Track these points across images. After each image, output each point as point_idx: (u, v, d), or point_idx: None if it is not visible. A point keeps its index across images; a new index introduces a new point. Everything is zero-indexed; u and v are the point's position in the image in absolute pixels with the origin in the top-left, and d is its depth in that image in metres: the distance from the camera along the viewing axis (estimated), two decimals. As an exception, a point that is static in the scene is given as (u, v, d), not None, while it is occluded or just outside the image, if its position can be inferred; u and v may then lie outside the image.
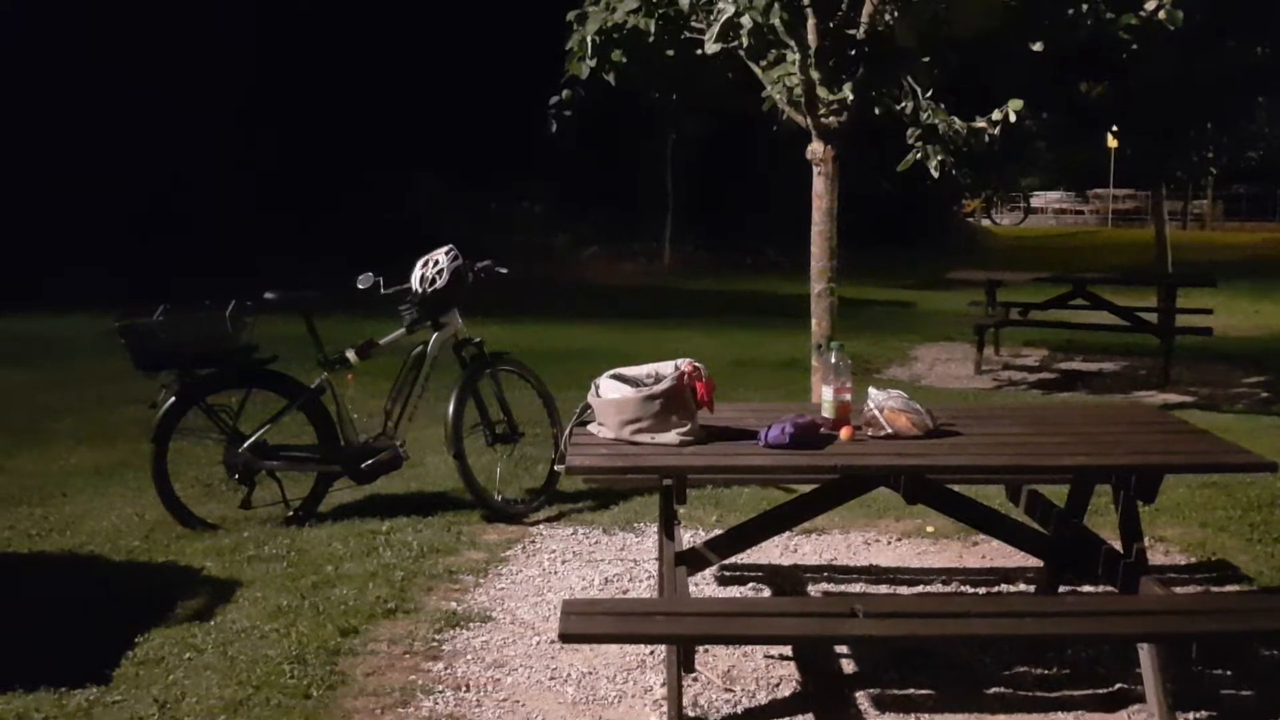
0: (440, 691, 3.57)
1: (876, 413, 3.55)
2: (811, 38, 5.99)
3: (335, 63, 19.05)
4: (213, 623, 4.03)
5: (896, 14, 5.71)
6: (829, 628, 3.02)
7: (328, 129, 19.04)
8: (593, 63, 6.45)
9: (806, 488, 4.57)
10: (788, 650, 3.84)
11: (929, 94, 6.07)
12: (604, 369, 3.71)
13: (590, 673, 3.71)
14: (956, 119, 6.03)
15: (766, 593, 4.47)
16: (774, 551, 4.87)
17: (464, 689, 3.60)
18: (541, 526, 5.35)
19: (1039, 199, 38.46)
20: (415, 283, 5.52)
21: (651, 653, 3.79)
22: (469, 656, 3.85)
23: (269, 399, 5.39)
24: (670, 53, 6.49)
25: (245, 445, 5.23)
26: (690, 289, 17.72)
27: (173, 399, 5.12)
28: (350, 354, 5.46)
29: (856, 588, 4.52)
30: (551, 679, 3.67)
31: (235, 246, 15.84)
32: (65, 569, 4.66)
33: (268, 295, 5.27)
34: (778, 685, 3.63)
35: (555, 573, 4.72)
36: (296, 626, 4.00)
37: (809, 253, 6.40)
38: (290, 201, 18.42)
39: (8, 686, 3.45)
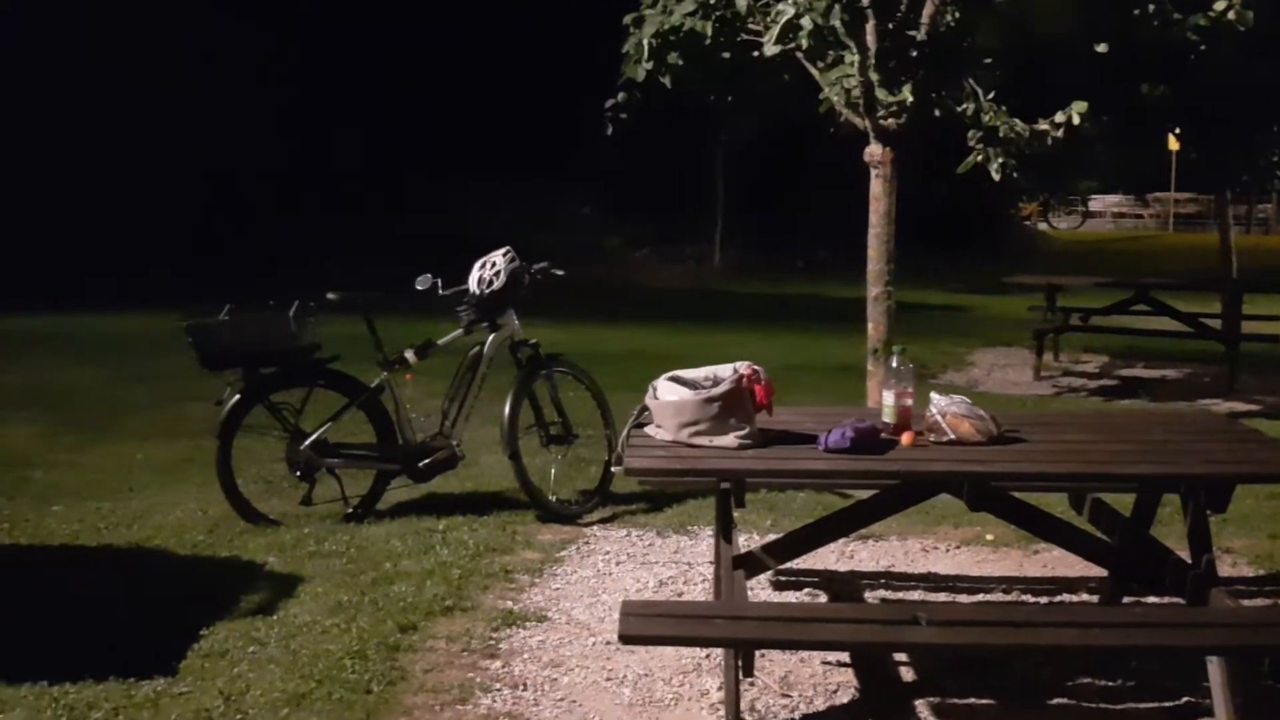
0: (498, 690, 3.60)
1: (939, 418, 3.51)
2: (871, 39, 5.95)
3: (391, 65, 19.26)
4: (275, 617, 4.09)
5: (974, 15, 5.66)
6: (892, 635, 2.99)
7: (384, 131, 19.27)
8: (649, 65, 6.47)
9: (863, 493, 4.56)
10: (845, 657, 3.81)
11: (990, 96, 6.01)
12: (656, 371, 3.72)
13: (646, 674, 3.71)
14: (1018, 121, 5.97)
15: (823, 598, 4.45)
16: (830, 557, 4.83)
17: (521, 688, 3.62)
18: (595, 528, 5.37)
19: (1097, 202, 37.81)
20: (473, 284, 5.57)
21: (707, 656, 3.79)
22: (525, 655, 3.87)
23: (330, 397, 5.46)
24: (726, 55, 6.50)
25: (307, 443, 5.30)
26: (742, 291, 17.67)
27: (237, 397, 5.21)
28: (409, 354, 5.52)
29: (915, 595, 4.48)
30: (608, 680, 3.68)
31: (291, 247, 16.07)
32: (132, 562, 4.76)
33: (330, 296, 5.35)
34: (835, 691, 3.61)
35: (610, 574, 4.73)
36: (357, 622, 4.05)
37: (863, 255, 6.36)
38: (346, 203, 18.66)
39: (78, 676, 3.52)
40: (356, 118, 19.16)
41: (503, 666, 3.77)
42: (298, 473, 5.35)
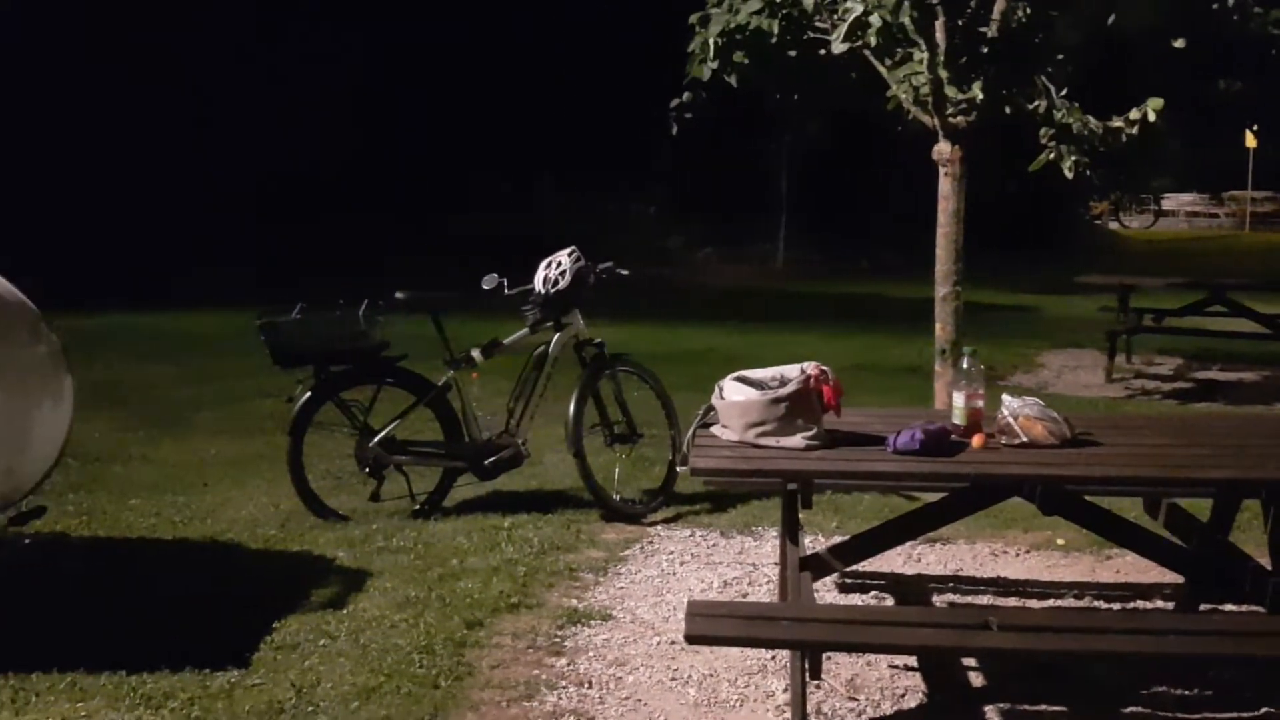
0: (563, 687, 3.62)
1: (1011, 420, 3.46)
2: (940, 36, 5.88)
3: (455, 66, 19.45)
4: (345, 611, 4.16)
5: (1047, 10, 5.57)
6: (963, 639, 2.96)
7: (447, 131, 19.46)
8: (714, 65, 6.46)
9: (930, 496, 4.50)
10: (912, 661, 3.77)
11: (1063, 92, 5.91)
12: (719, 371, 3.71)
13: (711, 675, 3.71)
14: (1092, 118, 5.86)
15: (889, 601, 4.40)
16: (896, 560, 4.78)
17: (587, 685, 3.63)
18: (659, 527, 5.37)
19: (1170, 201, 36.93)
20: (538, 284, 5.60)
21: (773, 657, 3.77)
22: (591, 654, 3.88)
23: (397, 395, 5.53)
24: (792, 53, 6.46)
25: (375, 440, 5.38)
26: (805, 291, 17.55)
27: (308, 394, 5.31)
28: (475, 353, 5.57)
29: (984, 600, 4.41)
30: (673, 679, 3.68)
31: (358, 247, 16.31)
32: (207, 555, 4.87)
33: (399, 295, 5.42)
34: (903, 696, 3.57)
35: (674, 574, 4.73)
36: (424, 617, 4.10)
37: (929, 255, 6.29)
38: (411, 203, 18.89)
39: (155, 667, 3.61)
40: (422, 116, 19.39)
41: (568, 664, 3.79)
42: (366, 469, 5.43)
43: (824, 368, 3.50)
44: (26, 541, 4.45)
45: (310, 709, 3.40)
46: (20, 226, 12.92)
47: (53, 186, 15.99)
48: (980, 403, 3.58)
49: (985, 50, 5.96)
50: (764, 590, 4.53)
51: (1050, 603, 4.40)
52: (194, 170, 17.26)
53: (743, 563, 4.85)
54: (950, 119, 6.06)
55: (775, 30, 6.18)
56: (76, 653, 3.66)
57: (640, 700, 3.54)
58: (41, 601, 4.19)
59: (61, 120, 16.43)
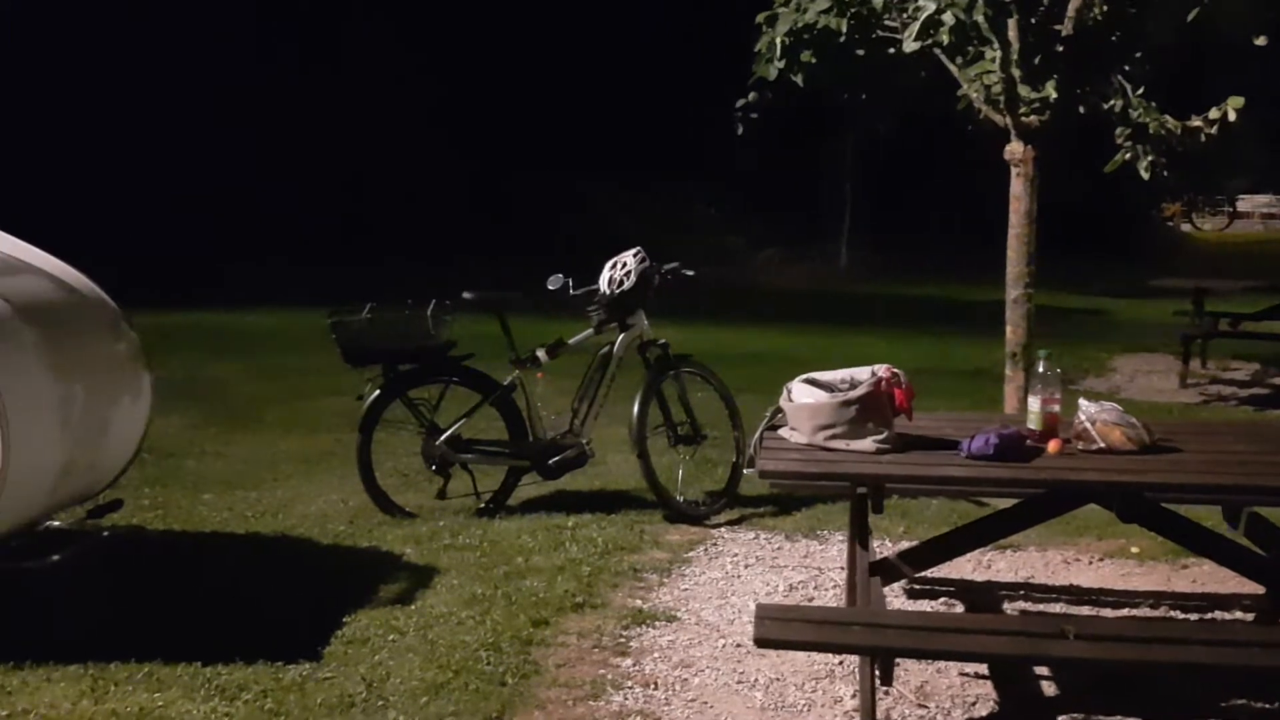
0: (629, 687, 3.62)
1: (1088, 426, 3.39)
2: (1013, 34, 5.79)
3: (518, 66, 19.58)
4: (413, 607, 4.19)
5: (1124, 7, 5.45)
6: (1038, 648, 2.90)
7: (509, 132, 19.60)
8: (781, 64, 6.42)
9: (1002, 502, 4.43)
10: (983, 668, 3.71)
11: (1140, 91, 5.79)
12: (782, 373, 3.68)
13: (778, 679, 3.68)
14: (1169, 118, 5.74)
15: (959, 608, 4.34)
16: (966, 566, 4.72)
17: (652, 686, 3.63)
18: (723, 529, 5.35)
19: (1244, 202, 35.99)
20: (603, 284, 5.61)
21: (841, 662, 3.74)
22: (656, 654, 3.88)
23: (464, 394, 5.57)
24: (860, 52, 6.40)
25: (442, 438, 5.43)
26: (869, 293, 17.39)
27: (377, 392, 5.37)
28: (541, 353, 5.60)
29: (1057, 608, 4.33)
30: (739, 682, 3.67)
31: (419, 248, 16.48)
32: (278, 550, 4.94)
33: (466, 295, 5.46)
34: (974, 704, 3.52)
35: (738, 576, 4.70)
36: (491, 615, 4.12)
37: (997, 256, 6.20)
38: (473, 203, 19.06)
39: (229, 659, 3.67)
40: (487, 117, 19.55)
41: (634, 664, 3.79)
42: (433, 467, 5.48)
43: (895, 370, 3.46)
44: (105, 534, 4.55)
45: (380, 703, 3.44)
46: (91, 225, 13.26)
47: (122, 186, 16.41)
48: (1056, 407, 3.52)
49: (1059, 48, 5.85)
50: (830, 595, 4.49)
51: (1125, 612, 4.31)
52: (259, 168, 17.58)
53: (808, 566, 4.81)
54: (1023, 118, 5.96)
55: (844, 29, 6.13)
56: (153, 644, 3.74)
57: (706, 703, 3.53)
58: (119, 593, 4.28)
59: (131, 121, 16.85)
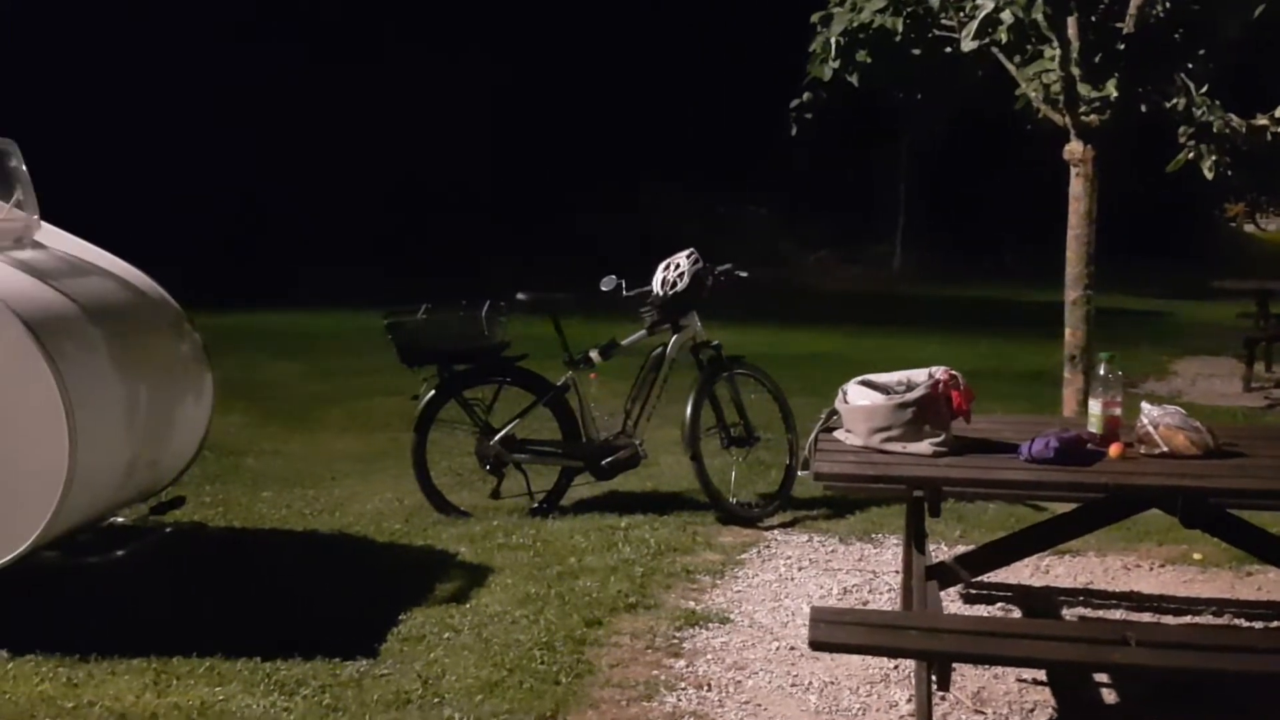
0: (683, 689, 3.61)
1: (1151, 429, 3.34)
2: (1073, 32, 5.70)
3: (571, 70, 19.68)
4: (468, 605, 4.23)
5: (1188, 3, 5.34)
6: (1099, 654, 2.85)
7: (562, 135, 19.71)
8: (836, 64, 6.37)
9: (1061, 506, 4.36)
10: (1041, 674, 3.66)
11: (1204, 90, 5.67)
12: (835, 375, 3.66)
13: (832, 682, 3.66)
14: (1234, 116, 5.61)
15: (1016, 613, 4.28)
16: (1024, 571, 4.65)
17: (706, 688, 3.62)
18: (776, 531, 5.33)
19: (1312, 202, 35.11)
20: (656, 285, 5.62)
21: (896, 667, 3.70)
22: (709, 656, 3.87)
23: (518, 394, 5.60)
24: (917, 51, 6.33)
25: (496, 438, 5.46)
26: (923, 295, 17.25)
27: (433, 392, 5.42)
28: (594, 354, 5.61)
29: (1117, 614, 4.25)
30: (793, 685, 3.65)
31: (479, 248, 16.63)
32: (335, 547, 5.01)
33: (520, 296, 5.50)
34: (1032, 711, 3.47)
35: (792, 579, 4.68)
36: (544, 614, 4.14)
37: (1054, 258, 6.10)
38: (526, 206, 19.18)
39: (287, 654, 3.72)
40: (541, 122, 19.67)
41: (687, 666, 3.79)
42: (487, 467, 5.52)
43: (953, 372, 3.42)
44: (168, 530, 4.63)
45: (436, 700, 3.47)
46: (152, 225, 13.55)
47: (182, 188, 16.75)
48: (1118, 411, 3.46)
49: (1120, 46, 5.75)
50: (885, 599, 4.45)
51: (1188, 619, 4.22)
52: (319, 171, 17.84)
53: (862, 570, 4.78)
54: (1083, 117, 5.86)
55: (900, 28, 6.07)
56: (214, 638, 3.80)
57: (760, 705, 3.51)
58: (181, 588, 4.36)
59: (193, 124, 17.19)
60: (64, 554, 4.18)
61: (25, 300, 3.79)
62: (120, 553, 4.16)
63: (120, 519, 4.65)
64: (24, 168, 4.36)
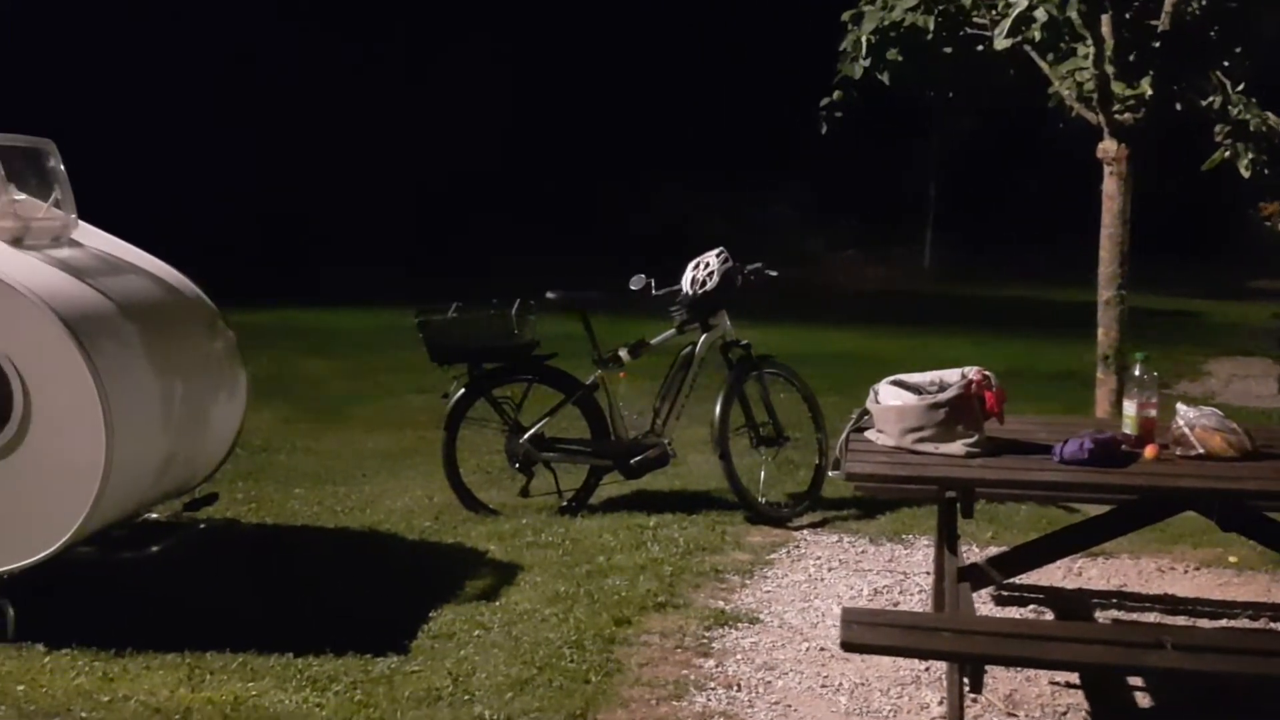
0: (712, 688, 3.61)
1: (1187, 431, 3.30)
2: (1107, 29, 5.64)
3: (598, 68, 19.71)
4: (497, 603, 4.24)
5: (1249, 2, 5.28)
6: (1135, 658, 2.83)
7: (591, 135, 19.74)
8: (867, 63, 6.33)
9: (1094, 508, 4.33)
10: (1074, 678, 3.63)
11: (1240, 87, 5.60)
12: (864, 375, 3.64)
13: (863, 684, 3.64)
14: (1272, 114, 5.54)
15: (1049, 616, 4.25)
16: (1056, 573, 4.61)
17: (735, 688, 3.62)
18: (805, 532, 5.32)
19: (1350, 201, 34.60)
20: (686, 284, 5.61)
21: (927, 669, 3.68)
22: (739, 656, 3.86)
23: (547, 393, 5.61)
24: (948, 50, 6.29)
25: (525, 437, 5.48)
26: (953, 294, 17.14)
27: (462, 391, 5.44)
28: (623, 352, 5.61)
29: (1151, 617, 4.21)
30: (823, 686, 3.64)
31: (506, 248, 16.68)
32: (366, 544, 5.04)
33: (549, 295, 5.51)
34: (1064, 714, 3.44)
35: (821, 579, 4.67)
36: (574, 613, 4.15)
37: (1084, 257, 6.04)
38: (555, 205, 19.23)
39: (319, 650, 3.75)
40: (567, 122, 19.71)
41: (716, 666, 3.78)
42: (516, 465, 5.53)
43: (986, 372, 3.40)
44: (201, 526, 4.68)
45: (466, 697, 3.48)
46: (184, 223, 13.70)
47: (213, 187, 16.92)
48: (1153, 412, 3.43)
49: (1156, 44, 5.69)
50: (916, 600, 4.43)
51: (1223, 623, 4.18)
52: (348, 170, 17.97)
53: (893, 571, 4.76)
54: (1117, 116, 5.80)
55: (931, 27, 6.03)
56: (247, 634, 3.83)
57: (790, 706, 3.51)
58: (214, 584, 4.40)
59: (218, 123, 17.35)
60: (99, 549, 4.23)
61: (63, 298, 3.84)
62: (155, 548, 4.20)
63: (154, 515, 4.70)
64: (62, 167, 4.41)
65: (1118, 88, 5.74)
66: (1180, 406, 3.44)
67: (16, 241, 4.04)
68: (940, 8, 6.02)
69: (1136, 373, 3.44)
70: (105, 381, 3.71)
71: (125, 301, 4.11)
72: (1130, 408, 3.43)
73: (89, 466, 3.71)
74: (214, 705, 3.40)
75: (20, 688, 3.47)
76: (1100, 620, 4.21)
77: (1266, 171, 5.74)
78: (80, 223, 4.50)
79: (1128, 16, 5.70)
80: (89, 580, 4.17)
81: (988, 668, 3.59)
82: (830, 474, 5.49)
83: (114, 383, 3.75)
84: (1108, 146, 5.89)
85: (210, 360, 4.60)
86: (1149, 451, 3.31)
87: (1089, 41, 5.61)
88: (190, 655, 3.71)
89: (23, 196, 4.16)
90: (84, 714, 3.33)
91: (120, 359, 3.92)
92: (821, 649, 3.92)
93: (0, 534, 3.79)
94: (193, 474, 4.58)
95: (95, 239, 4.57)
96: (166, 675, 3.59)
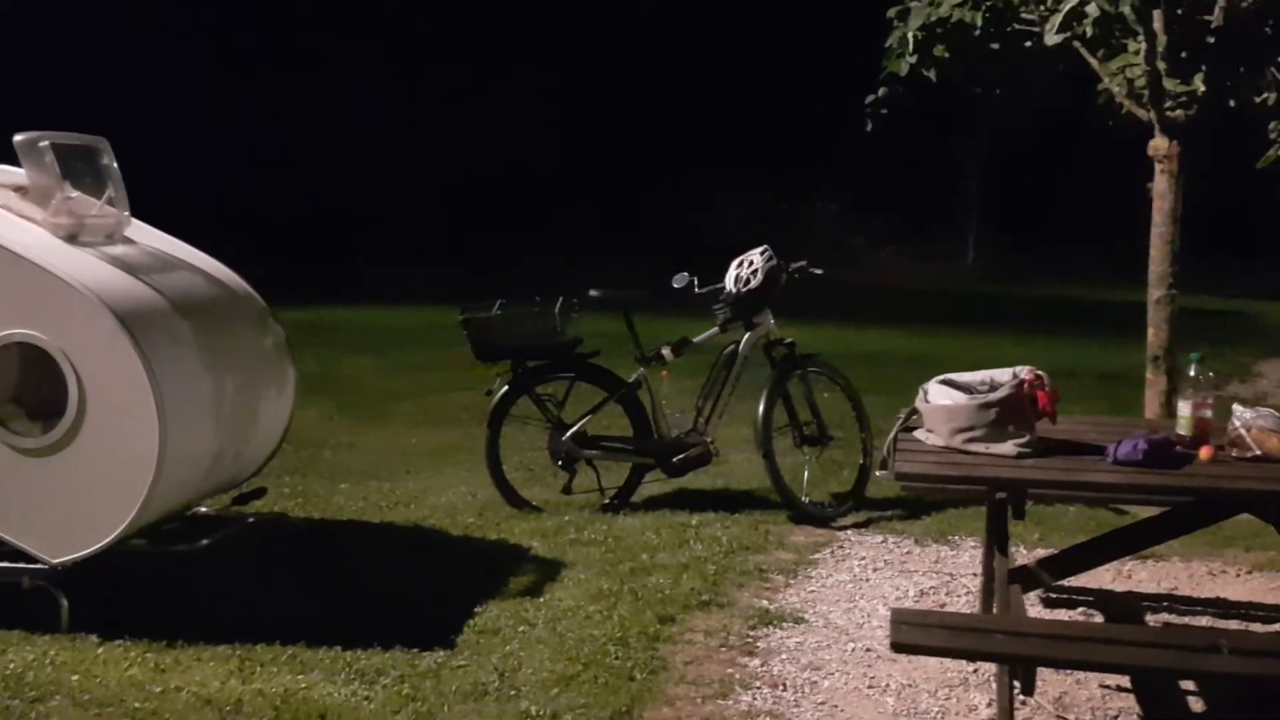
0: (758, 688, 3.60)
1: (1243, 432, 3.24)
2: (1159, 25, 5.56)
3: (640, 68, 19.71)
4: (542, 599, 4.25)
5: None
6: (1189, 662, 2.78)
7: (635, 134, 19.75)
8: (913, 59, 6.29)
9: (1144, 510, 4.27)
10: (1125, 681, 3.59)
11: (1297, 83, 5.50)
12: (909, 374, 3.61)
13: (910, 685, 3.62)
14: (1328, 110, 5.44)
15: (1098, 618, 4.19)
16: (1105, 576, 4.55)
17: (781, 688, 3.60)
18: (849, 532, 5.29)
19: (1405, 199, 33.85)
20: (729, 282, 5.59)
21: (975, 670, 3.65)
22: (784, 656, 3.85)
23: (590, 391, 5.62)
24: (995, 46, 6.23)
25: (568, 434, 5.49)
26: (996, 293, 16.97)
27: (506, 388, 5.46)
28: (666, 351, 5.61)
29: (1203, 621, 4.15)
30: (869, 687, 3.61)
31: (552, 246, 16.74)
32: (411, 539, 5.07)
33: (592, 293, 5.51)
34: (1115, 718, 3.40)
35: (866, 580, 4.64)
36: (618, 610, 4.15)
37: (1132, 256, 5.96)
38: (598, 204, 19.27)
39: (367, 644, 3.78)
40: (611, 118, 19.75)
41: (761, 665, 3.77)
42: (559, 462, 5.55)
43: (1039, 372, 3.36)
44: (250, 520, 4.73)
45: (512, 692, 3.49)
46: (231, 222, 13.87)
47: (251, 186, 17.14)
48: (1208, 413, 3.37)
49: (1209, 40, 5.60)
50: (963, 601, 4.39)
51: (1277, 627, 4.10)
52: (396, 169, 18.12)
53: (939, 572, 4.72)
54: (1168, 113, 5.72)
55: (979, 22, 5.97)
56: (296, 627, 3.87)
57: (837, 706, 3.49)
58: (263, 577, 4.45)
59: (261, 123, 17.57)
60: (151, 542, 4.29)
61: (117, 294, 3.90)
62: (205, 542, 4.25)
63: (204, 509, 4.76)
64: (115, 165, 4.47)
65: (1170, 84, 5.66)
66: (1236, 407, 3.38)
67: (72, 238, 4.11)
68: (988, 3, 5.97)
69: (1191, 373, 3.39)
70: (159, 376, 3.76)
71: (178, 297, 4.16)
72: (1185, 408, 3.38)
73: (142, 460, 3.76)
74: (264, 697, 3.44)
75: (75, 678, 3.53)
76: (1151, 623, 4.15)
77: (1322, 168, 5.64)
78: (133, 220, 4.57)
79: (1180, 11, 5.61)
80: (141, 573, 4.24)
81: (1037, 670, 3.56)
82: (877, 474, 5.46)
83: (167, 378, 3.81)
84: (1159, 144, 5.81)
85: (261, 356, 4.65)
86: (1204, 453, 3.26)
87: (1140, 37, 5.54)
88: (240, 647, 3.76)
89: (77, 194, 4.23)
90: (137, 704, 3.38)
91: (173, 354, 3.98)
92: (867, 649, 3.90)
93: (55, 526, 3.86)
94: (243, 468, 4.63)
95: (148, 236, 4.63)
96: (217, 667, 3.63)
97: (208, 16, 17.42)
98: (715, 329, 5.68)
